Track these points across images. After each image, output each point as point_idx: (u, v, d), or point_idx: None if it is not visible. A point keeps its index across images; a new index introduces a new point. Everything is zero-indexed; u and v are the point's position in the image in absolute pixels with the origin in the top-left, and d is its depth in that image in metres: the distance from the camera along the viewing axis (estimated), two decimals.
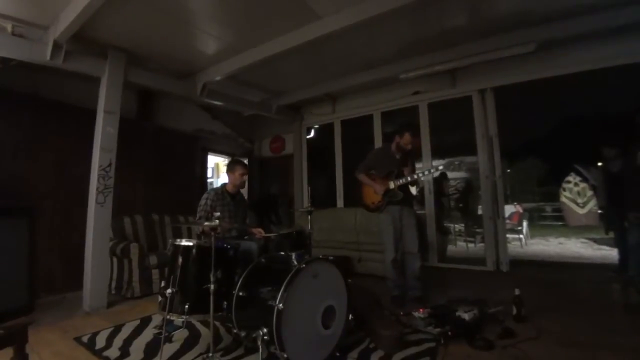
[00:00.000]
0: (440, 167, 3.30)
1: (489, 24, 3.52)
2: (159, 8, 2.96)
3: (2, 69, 3.04)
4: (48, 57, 3.09)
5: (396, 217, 3.18)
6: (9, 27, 2.97)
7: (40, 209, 3.45)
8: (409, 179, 3.10)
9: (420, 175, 3.11)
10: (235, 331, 2.06)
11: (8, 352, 1.44)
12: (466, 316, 2.34)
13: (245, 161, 6.53)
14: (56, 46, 3.09)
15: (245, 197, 3.54)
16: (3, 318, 2.53)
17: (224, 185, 3.04)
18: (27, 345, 1.51)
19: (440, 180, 5.77)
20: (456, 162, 3.02)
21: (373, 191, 3.25)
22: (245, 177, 3.03)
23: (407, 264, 3.20)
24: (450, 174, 10.81)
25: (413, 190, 3.24)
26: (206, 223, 2.10)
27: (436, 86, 4.80)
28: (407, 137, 3.18)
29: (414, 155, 3.45)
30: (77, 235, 3.43)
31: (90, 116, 3.48)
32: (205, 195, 2.91)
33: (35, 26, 3.09)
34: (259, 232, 2.96)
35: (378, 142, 5.39)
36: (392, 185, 3.14)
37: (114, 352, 2.21)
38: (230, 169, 3.01)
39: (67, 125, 3.87)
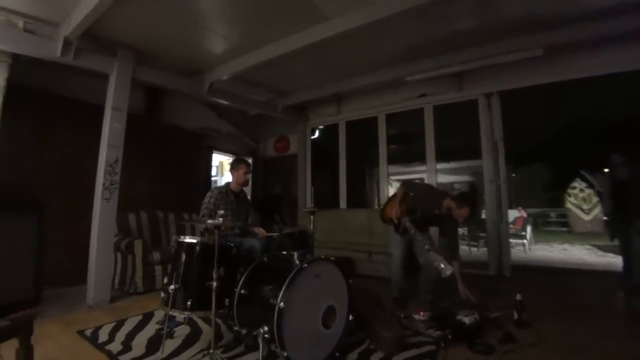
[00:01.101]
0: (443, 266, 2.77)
1: (497, 28, 3.51)
2: (168, 7, 3.00)
3: (13, 65, 3.08)
4: (58, 54, 3.14)
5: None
6: (20, 23, 3.02)
7: (47, 203, 3.48)
8: (412, 231, 2.93)
9: (420, 240, 2.91)
10: (236, 328, 2.08)
11: (14, 344, 1.46)
12: (467, 320, 2.34)
13: (250, 160, 6.56)
14: (66, 43, 3.13)
15: (249, 196, 3.56)
16: (10, 310, 2.56)
17: (227, 184, 3.07)
18: (32, 337, 1.53)
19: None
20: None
21: (393, 211, 3.12)
22: (249, 176, 3.07)
23: (423, 271, 3.15)
24: (454, 178, 10.76)
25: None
26: (210, 221, 2.12)
27: (442, 89, 4.80)
28: (464, 211, 2.81)
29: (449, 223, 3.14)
30: (82, 230, 3.46)
31: (98, 112, 3.52)
32: (209, 194, 2.93)
33: (46, 23, 3.13)
34: (260, 231, 2.98)
35: (382, 144, 5.40)
36: (403, 219, 3.03)
37: (116, 346, 2.23)
38: (234, 167, 3.04)
39: (75, 121, 3.92)
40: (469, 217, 2.88)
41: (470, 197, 2.95)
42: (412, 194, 3.12)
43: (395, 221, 3.09)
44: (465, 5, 3.13)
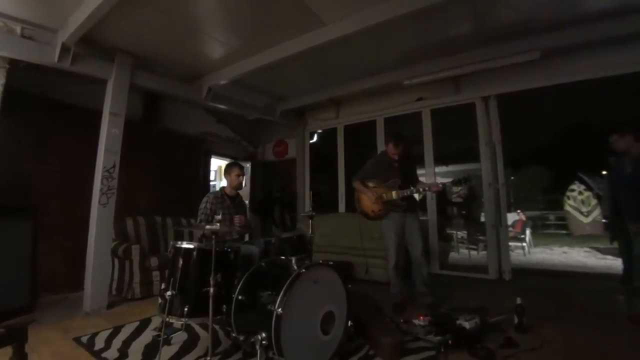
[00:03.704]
0: (447, 182, 3.17)
1: (494, 32, 3.53)
2: (166, 13, 3.01)
3: (10, 70, 3.08)
4: (56, 60, 3.14)
5: (398, 224, 3.15)
6: (18, 29, 3.03)
7: (44, 209, 3.47)
8: (413, 191, 3.07)
9: (427, 189, 3.09)
10: (234, 335, 2.06)
11: (7, 351, 1.44)
12: (467, 325, 2.32)
13: (248, 165, 6.56)
14: (64, 49, 3.14)
15: (247, 201, 3.56)
16: (4, 317, 2.53)
17: (222, 188, 3.08)
18: (26, 345, 1.51)
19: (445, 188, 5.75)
20: (460, 179, 3.01)
21: (369, 199, 3.22)
22: (242, 179, 3.09)
23: (414, 271, 3.19)
24: None
25: (416, 196, 3.24)
26: (207, 226, 2.10)
27: (440, 93, 4.81)
28: (390, 147, 3.19)
29: (414, 162, 3.41)
30: (80, 235, 3.44)
31: (95, 117, 3.52)
32: (204, 199, 2.93)
33: (44, 29, 3.14)
34: (240, 219, 2.94)
35: (381, 148, 5.39)
36: (394, 195, 3.11)
37: (112, 353, 2.20)
38: (226, 171, 3.07)
39: (72, 126, 3.91)
40: (395, 147, 3.15)
41: (390, 132, 3.43)
42: (373, 179, 3.27)
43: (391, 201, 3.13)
44: (462, 10, 3.15)
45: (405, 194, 3.07)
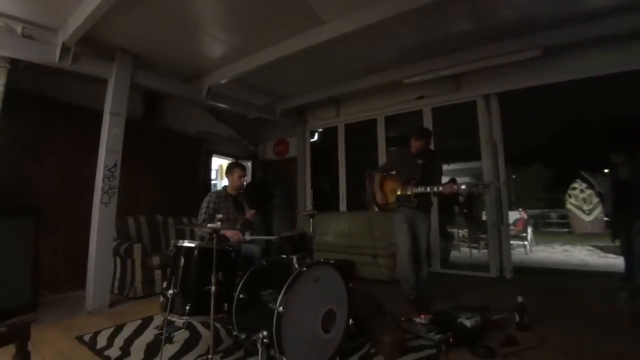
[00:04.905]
0: (463, 187, 2.88)
1: (494, 30, 3.52)
2: (166, 12, 3.01)
3: (11, 70, 3.09)
4: (57, 59, 3.15)
5: (410, 218, 3.14)
6: (19, 29, 3.03)
7: (45, 209, 3.48)
8: (428, 189, 3.01)
9: (440, 189, 2.95)
10: (235, 333, 2.06)
11: (10, 350, 1.45)
12: (468, 323, 2.32)
13: (249, 164, 6.56)
14: (65, 48, 3.14)
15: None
16: (6, 316, 2.55)
17: (224, 187, 3.08)
18: (29, 343, 1.52)
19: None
20: (481, 186, 2.92)
21: (384, 191, 3.25)
22: (244, 179, 3.10)
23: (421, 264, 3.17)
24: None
25: (461, 199, 3.21)
26: (209, 225, 2.10)
27: (440, 91, 4.80)
28: (412, 141, 3.17)
29: (439, 165, 3.30)
30: (81, 234, 3.46)
31: (96, 117, 3.53)
32: (207, 198, 2.93)
33: (44, 28, 3.15)
34: (250, 213, 3.02)
35: (382, 147, 5.40)
36: (409, 191, 3.08)
37: (114, 351, 2.21)
38: (228, 171, 3.06)
39: (73, 126, 3.92)
40: (415, 141, 3.14)
41: (417, 128, 3.37)
42: (393, 172, 3.31)
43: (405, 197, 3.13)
44: (462, 8, 3.14)
45: (419, 190, 3.04)
